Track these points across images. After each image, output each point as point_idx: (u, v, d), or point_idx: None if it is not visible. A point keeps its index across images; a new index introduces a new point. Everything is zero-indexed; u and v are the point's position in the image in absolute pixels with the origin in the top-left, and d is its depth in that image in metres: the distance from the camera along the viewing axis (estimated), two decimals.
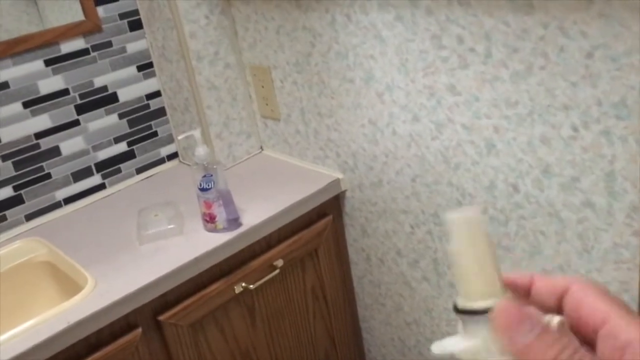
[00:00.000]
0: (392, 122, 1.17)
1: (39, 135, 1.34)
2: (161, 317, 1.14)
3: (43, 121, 1.33)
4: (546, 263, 1.03)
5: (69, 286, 1.16)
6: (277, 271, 1.28)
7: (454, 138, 1.07)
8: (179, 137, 1.18)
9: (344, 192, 1.38)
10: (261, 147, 1.55)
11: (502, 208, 1.05)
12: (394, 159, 1.21)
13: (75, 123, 1.38)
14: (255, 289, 1.26)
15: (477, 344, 0.30)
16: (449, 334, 1.33)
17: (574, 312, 0.32)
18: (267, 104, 1.44)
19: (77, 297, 1.07)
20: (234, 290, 1.23)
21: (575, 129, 0.89)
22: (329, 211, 1.38)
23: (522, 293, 0.34)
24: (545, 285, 0.34)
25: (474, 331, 0.31)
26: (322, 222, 1.36)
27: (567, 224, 0.96)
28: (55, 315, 1.03)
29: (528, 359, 0.29)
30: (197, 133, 1.18)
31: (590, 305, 0.31)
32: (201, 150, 1.18)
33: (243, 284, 1.24)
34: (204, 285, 1.19)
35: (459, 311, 0.31)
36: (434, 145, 1.11)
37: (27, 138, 1.32)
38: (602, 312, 0.30)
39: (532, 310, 0.31)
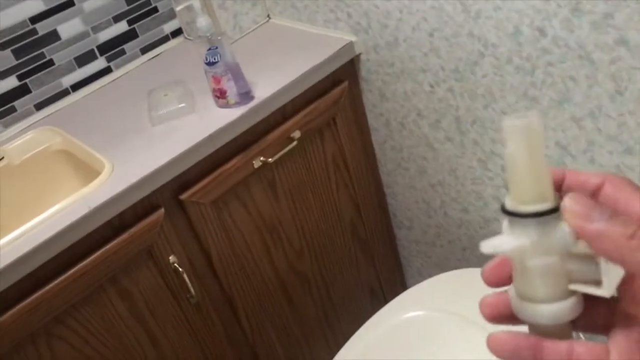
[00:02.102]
0: None
1: (34, 19, 1.27)
2: (182, 197, 1.13)
3: (35, 4, 1.26)
4: (576, 110, 0.97)
5: (87, 172, 1.16)
6: (294, 143, 1.25)
7: None
8: (177, 9, 1.11)
9: (358, 56, 1.31)
10: (268, 16, 1.46)
11: (528, 56, 0.98)
12: (409, 14, 1.12)
13: (70, 4, 1.31)
14: (275, 162, 1.24)
15: (525, 244, 0.31)
16: (474, 192, 1.32)
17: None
18: None
19: (96, 182, 1.06)
20: (252, 165, 1.21)
21: None
22: (344, 77, 1.32)
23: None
24: (577, 181, 0.33)
25: (522, 233, 0.31)
26: (338, 89, 1.31)
27: (599, 65, 0.89)
28: (75, 201, 1.03)
29: (603, 243, 0.29)
30: (195, 2, 1.10)
31: (626, 201, 0.31)
32: (202, 21, 1.11)
33: (261, 158, 1.21)
34: (222, 162, 1.17)
35: (509, 213, 0.32)
36: None
37: (22, 24, 1.26)
38: (638, 206, 0.30)
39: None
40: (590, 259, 0.31)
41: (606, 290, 0.30)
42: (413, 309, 1.21)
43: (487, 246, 0.32)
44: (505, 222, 0.33)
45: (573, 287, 0.32)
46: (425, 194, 1.42)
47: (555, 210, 0.31)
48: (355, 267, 1.54)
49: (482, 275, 0.35)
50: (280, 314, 1.40)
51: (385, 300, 1.61)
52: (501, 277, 0.34)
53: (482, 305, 0.35)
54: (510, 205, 0.32)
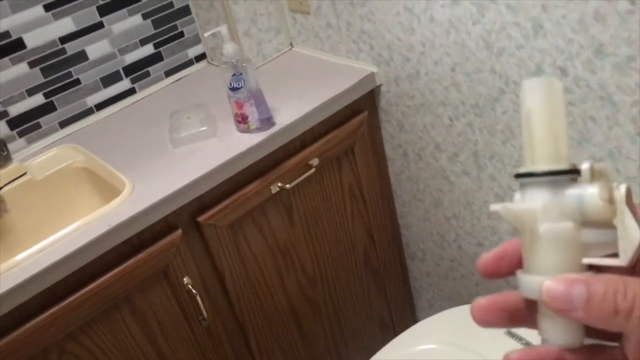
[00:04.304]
0: (430, 8, 1.09)
1: (64, 39, 1.30)
2: (200, 219, 1.14)
3: (66, 24, 1.29)
4: (595, 150, 0.98)
5: (107, 191, 1.17)
6: (312, 170, 1.27)
7: (497, 20, 0.99)
8: (206, 35, 1.13)
9: (379, 87, 1.33)
10: (291, 44, 1.49)
11: None
12: (431, 48, 1.14)
13: (100, 25, 1.34)
14: (292, 188, 1.25)
15: (537, 206, 0.29)
16: (490, 227, 1.32)
17: None
18: None
19: (116, 201, 1.07)
20: (270, 190, 1.22)
21: (632, 2, 0.81)
22: (364, 107, 1.33)
23: None
24: None
25: (534, 196, 0.30)
26: (357, 119, 1.32)
27: (620, 107, 0.90)
28: (96, 219, 1.05)
29: (591, 321, 0.28)
30: (223, 29, 1.12)
31: None
32: (229, 48, 1.13)
33: (279, 184, 1.22)
34: (240, 186, 1.19)
35: (521, 175, 0.30)
36: (475, 30, 1.04)
37: (52, 43, 1.29)
38: None
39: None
40: (607, 225, 0.28)
41: (622, 259, 0.28)
42: (426, 342, 1.20)
43: (497, 205, 0.30)
44: (517, 194, 0.31)
45: (587, 260, 0.29)
46: (439, 226, 1.43)
47: (570, 172, 0.29)
48: (367, 296, 1.54)
49: (479, 264, 0.33)
50: (289, 340, 1.40)
51: (395, 332, 1.60)
52: (500, 268, 0.33)
53: (474, 309, 0.33)
54: (523, 170, 0.30)
